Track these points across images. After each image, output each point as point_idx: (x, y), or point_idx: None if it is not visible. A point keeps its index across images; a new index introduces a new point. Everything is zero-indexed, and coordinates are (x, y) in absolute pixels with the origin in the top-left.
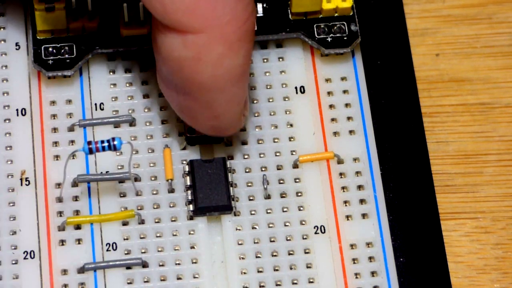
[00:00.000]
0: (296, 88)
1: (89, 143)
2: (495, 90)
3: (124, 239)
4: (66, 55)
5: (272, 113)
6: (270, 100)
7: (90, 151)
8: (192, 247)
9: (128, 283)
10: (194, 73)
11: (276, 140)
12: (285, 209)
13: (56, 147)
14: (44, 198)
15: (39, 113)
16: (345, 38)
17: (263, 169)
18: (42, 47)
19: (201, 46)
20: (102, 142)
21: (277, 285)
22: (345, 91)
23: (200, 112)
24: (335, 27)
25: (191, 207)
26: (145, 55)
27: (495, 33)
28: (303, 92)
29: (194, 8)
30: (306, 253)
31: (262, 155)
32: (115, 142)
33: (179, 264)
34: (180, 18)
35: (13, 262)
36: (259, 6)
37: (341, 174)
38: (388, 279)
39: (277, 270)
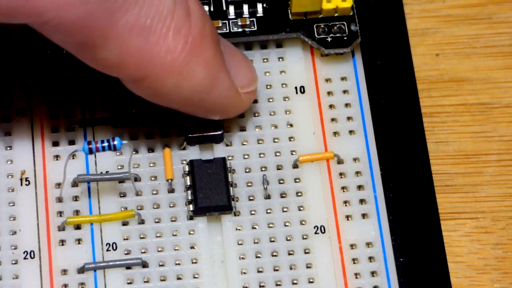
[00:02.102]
0: (296, 88)
1: (89, 143)
2: (495, 90)
3: (124, 239)
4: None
5: (272, 113)
6: (270, 100)
7: (90, 151)
8: (192, 247)
9: (128, 283)
10: (163, 102)
11: (276, 140)
12: (285, 209)
13: (56, 147)
14: (44, 198)
15: (39, 113)
16: (345, 38)
17: (263, 169)
18: None
19: (153, 87)
20: (102, 142)
21: (277, 285)
22: (345, 91)
23: (198, 113)
24: (335, 27)
25: (191, 207)
26: None
27: (495, 33)
28: (303, 92)
29: (121, 63)
30: (306, 253)
31: (262, 155)
32: (115, 142)
33: (179, 264)
34: (116, 74)
35: (13, 262)
36: (259, 6)
37: (341, 174)
38: (388, 279)
39: (277, 270)
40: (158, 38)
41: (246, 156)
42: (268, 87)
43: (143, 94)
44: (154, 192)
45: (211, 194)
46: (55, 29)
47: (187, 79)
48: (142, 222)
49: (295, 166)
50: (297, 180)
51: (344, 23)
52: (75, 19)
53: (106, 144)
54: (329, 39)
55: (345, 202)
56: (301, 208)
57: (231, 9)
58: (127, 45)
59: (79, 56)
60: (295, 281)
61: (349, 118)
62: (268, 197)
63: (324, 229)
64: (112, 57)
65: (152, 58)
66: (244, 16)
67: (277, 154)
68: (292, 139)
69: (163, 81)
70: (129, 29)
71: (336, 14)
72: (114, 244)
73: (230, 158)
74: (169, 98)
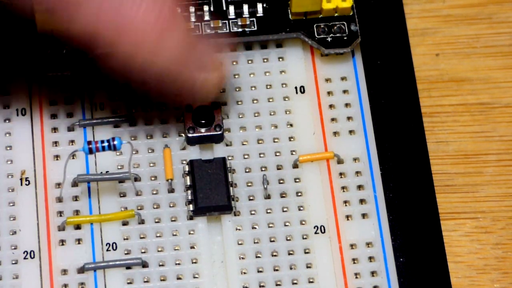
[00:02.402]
0: (296, 88)
1: (89, 143)
2: (495, 90)
3: (124, 239)
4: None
5: (272, 113)
6: (270, 100)
7: (90, 151)
8: (192, 247)
9: (128, 283)
10: (136, 74)
11: (276, 140)
12: (285, 209)
13: (56, 147)
14: (44, 198)
15: (39, 113)
16: (345, 38)
17: (263, 169)
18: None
19: (129, 56)
20: (102, 142)
21: (277, 285)
22: (345, 91)
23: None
24: (335, 27)
25: (191, 207)
26: None
27: (495, 33)
28: (303, 92)
29: (98, 29)
30: (306, 253)
31: (262, 155)
32: (115, 142)
33: (179, 264)
34: (98, 40)
35: (13, 262)
36: (259, 6)
37: (341, 174)
38: (388, 279)
39: (277, 270)
40: (132, 6)
41: (246, 156)
42: (268, 87)
43: (116, 66)
44: (154, 192)
45: (211, 194)
46: None
47: (160, 51)
48: (142, 222)
49: (295, 166)
50: (297, 180)
51: (344, 23)
52: None
53: (106, 144)
54: (329, 39)
55: (345, 202)
56: (301, 208)
57: (231, 9)
58: (101, 13)
59: (54, 25)
60: (295, 281)
61: (349, 118)
62: (268, 197)
63: (324, 229)
64: (86, 24)
65: (126, 25)
66: (244, 16)
67: (277, 154)
68: (292, 139)
69: (136, 51)
70: None
71: (336, 14)
72: (114, 244)
73: (230, 158)
74: (140, 71)
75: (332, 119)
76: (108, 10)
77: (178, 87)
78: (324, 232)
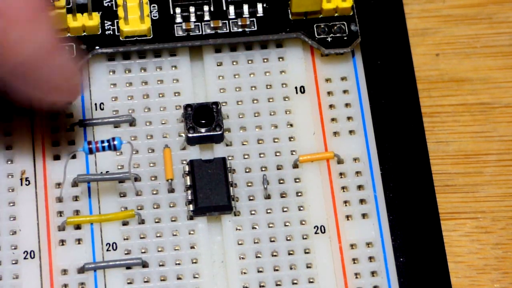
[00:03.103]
0: (296, 88)
1: (89, 143)
2: (495, 90)
3: (124, 239)
4: None
5: (272, 113)
6: (270, 100)
7: (90, 151)
8: (192, 247)
9: (128, 283)
10: (5, 57)
11: (276, 140)
12: (285, 209)
13: (56, 147)
14: (44, 198)
15: (39, 113)
16: (345, 38)
17: (263, 169)
18: None
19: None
20: (102, 142)
21: (277, 285)
22: (345, 91)
23: (32, 86)
24: (335, 27)
25: (191, 207)
26: (145, 55)
27: (495, 33)
28: (303, 92)
29: None
30: (306, 253)
31: (262, 155)
32: (115, 142)
33: (179, 264)
34: None
35: (13, 262)
36: (259, 6)
37: (341, 174)
38: (388, 279)
39: (277, 270)
40: None
41: (246, 156)
42: (268, 87)
43: None
44: (154, 192)
45: (211, 194)
46: None
47: (30, 36)
48: (142, 222)
49: (295, 166)
50: (297, 180)
51: (344, 23)
52: None
53: (106, 144)
54: (329, 39)
55: (345, 202)
56: (301, 208)
57: (231, 9)
58: None
59: None
60: (295, 281)
61: (349, 118)
62: (268, 197)
63: (324, 229)
64: None
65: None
66: (244, 16)
67: (277, 154)
68: (292, 139)
69: (7, 31)
70: None
71: (336, 14)
72: (114, 244)
73: (230, 158)
74: (7, 57)
75: (332, 119)
76: None
77: (30, 85)
78: (324, 232)
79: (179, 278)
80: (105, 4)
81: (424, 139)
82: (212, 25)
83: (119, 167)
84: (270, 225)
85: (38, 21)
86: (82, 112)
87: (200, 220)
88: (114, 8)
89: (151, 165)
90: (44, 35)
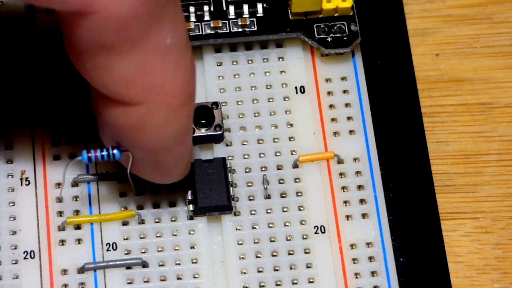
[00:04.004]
0: (296, 88)
1: (88, 151)
2: (495, 90)
3: (124, 239)
4: None
5: (272, 113)
6: (270, 100)
7: (89, 160)
8: (192, 247)
9: (128, 283)
10: (137, 139)
11: (276, 140)
12: (285, 209)
13: (56, 147)
14: (44, 198)
15: (39, 113)
16: (345, 38)
17: (263, 169)
18: None
19: (143, 116)
20: (101, 151)
21: (277, 285)
22: (345, 91)
23: (146, 169)
24: (335, 27)
25: (191, 207)
26: None
27: (495, 33)
28: (303, 92)
29: (132, 80)
30: (306, 253)
31: (262, 155)
32: (114, 151)
33: (179, 264)
34: (118, 90)
35: (13, 262)
36: (259, 6)
37: (341, 174)
38: (388, 279)
39: (277, 270)
40: (167, 70)
41: (246, 156)
42: (268, 87)
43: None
44: (154, 192)
45: (211, 194)
46: None
47: (172, 121)
48: (142, 222)
49: (295, 166)
50: (297, 180)
51: (344, 23)
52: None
53: (105, 153)
54: (329, 39)
55: (345, 202)
56: (301, 208)
57: (231, 9)
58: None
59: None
60: (295, 281)
61: (349, 118)
62: (268, 197)
63: (324, 229)
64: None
65: (155, 88)
66: (244, 16)
67: (277, 154)
68: (292, 139)
69: (155, 112)
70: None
71: (336, 14)
72: (114, 244)
73: (230, 158)
74: (151, 135)
75: (332, 119)
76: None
77: (151, 168)
78: (324, 232)
79: (179, 278)
80: None
81: (424, 139)
82: (212, 25)
83: (119, 167)
84: (270, 225)
85: (188, 105)
86: None
87: (200, 220)
88: None
89: None
90: (184, 122)
